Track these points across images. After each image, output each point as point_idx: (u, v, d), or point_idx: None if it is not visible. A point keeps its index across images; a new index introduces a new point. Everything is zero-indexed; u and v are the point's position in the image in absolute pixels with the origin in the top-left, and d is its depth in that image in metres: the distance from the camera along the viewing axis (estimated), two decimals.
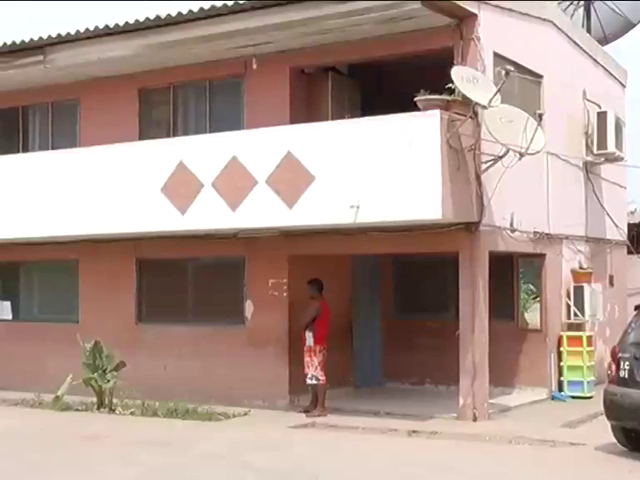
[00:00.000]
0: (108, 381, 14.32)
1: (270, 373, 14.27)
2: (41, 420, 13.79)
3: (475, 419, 12.76)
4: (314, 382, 13.52)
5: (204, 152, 14.02)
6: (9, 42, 15.35)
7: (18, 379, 16.42)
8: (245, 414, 13.70)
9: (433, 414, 13.15)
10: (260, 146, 13.52)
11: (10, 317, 17.47)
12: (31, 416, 14.21)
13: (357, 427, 12.48)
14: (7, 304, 17.48)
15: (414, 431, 12.15)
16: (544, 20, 15.15)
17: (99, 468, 10.28)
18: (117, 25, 14.30)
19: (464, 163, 12.50)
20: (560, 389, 15.17)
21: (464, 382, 12.89)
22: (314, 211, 12.88)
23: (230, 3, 13.25)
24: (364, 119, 13.14)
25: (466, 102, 12.34)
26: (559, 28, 15.75)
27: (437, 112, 12.06)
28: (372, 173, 12.48)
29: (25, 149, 17.31)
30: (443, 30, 13.03)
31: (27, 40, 15.17)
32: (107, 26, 14.41)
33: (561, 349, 15.21)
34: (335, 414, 13.32)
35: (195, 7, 13.56)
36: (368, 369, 15.80)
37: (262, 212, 13.33)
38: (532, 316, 15.67)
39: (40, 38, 15.08)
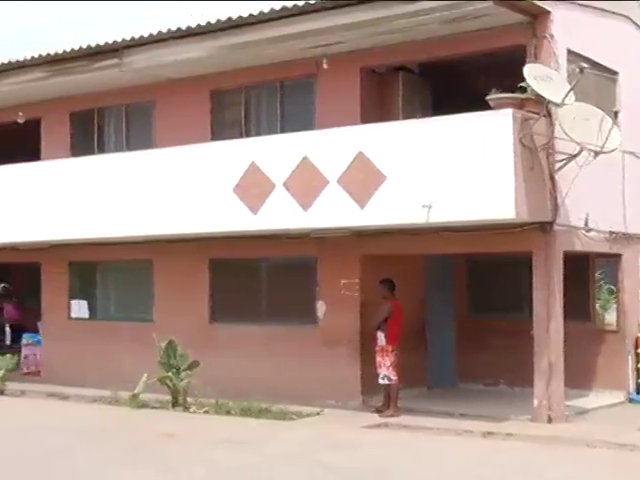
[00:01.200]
0: (182, 380, 14.48)
1: (342, 373, 14.27)
2: (118, 417, 14.01)
3: (550, 421, 12.57)
4: (386, 382, 13.49)
5: (276, 152, 14.09)
6: (86, 45, 15.64)
7: (95, 377, 16.72)
8: (318, 414, 13.74)
9: (508, 415, 13.00)
10: (331, 146, 13.54)
11: (87, 316, 17.76)
12: (108, 413, 14.46)
13: (431, 428, 12.40)
14: (84, 303, 17.78)
15: (489, 432, 12.03)
16: (620, 15, 14.86)
17: (175, 466, 10.40)
18: (190, 27, 14.46)
19: (537, 162, 12.34)
20: (638, 392, 14.86)
21: (539, 383, 12.71)
22: (386, 211, 12.84)
23: (301, 3, 13.29)
24: (435, 118, 13.05)
25: (539, 100, 12.19)
26: (635, 23, 15.43)
27: (510, 111, 11.93)
28: (444, 173, 12.39)
29: (101, 150, 17.58)
30: (515, 28, 12.87)
31: (103, 43, 15.43)
32: (180, 28, 14.59)
33: (639, 351, 14.91)
34: (408, 414, 13.26)
35: (266, 8, 13.64)
36: (441, 369, 15.68)
37: (334, 212, 13.35)
38: (613, 317, 15.41)
39: (116, 41, 15.31)
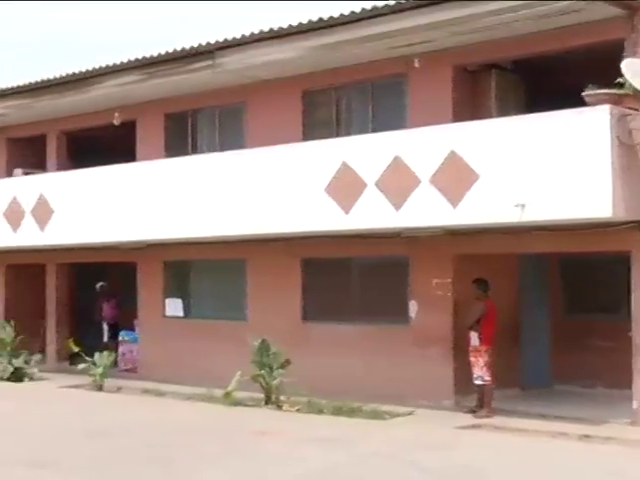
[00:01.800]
0: (275, 378, 14.60)
1: (435, 373, 14.19)
2: (212, 414, 14.20)
3: None
4: (480, 382, 13.36)
5: (367, 152, 14.08)
6: (180, 48, 15.90)
7: (190, 374, 16.99)
8: (410, 413, 13.69)
9: (605, 418, 12.72)
10: (423, 145, 13.47)
11: (182, 314, 18.06)
12: (202, 410, 14.64)
13: (525, 430, 12.22)
14: (179, 301, 18.08)
15: (585, 436, 11.78)
16: None
17: (267, 464, 10.49)
18: (282, 28, 14.56)
19: (636, 159, 12.03)
20: None
21: (638, 385, 12.42)
22: (478, 210, 12.71)
23: (391, 3, 13.23)
24: (529, 116, 12.83)
25: (637, 96, 11.89)
26: None
27: (607, 107, 11.66)
28: (538, 171, 12.20)
29: (194, 151, 17.84)
30: (612, 22, 12.56)
31: (197, 45, 15.66)
32: (272, 29, 14.70)
33: None
34: (502, 416, 13.11)
35: (357, 8, 13.64)
36: (536, 370, 15.43)
37: (426, 211, 13.27)
38: None
39: (209, 43, 15.51)
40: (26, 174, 20.18)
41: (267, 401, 14.69)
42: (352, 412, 13.70)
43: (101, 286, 20.88)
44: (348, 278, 15.76)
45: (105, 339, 20.30)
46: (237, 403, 14.77)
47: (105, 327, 20.49)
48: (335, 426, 12.90)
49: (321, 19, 14.02)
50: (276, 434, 12.32)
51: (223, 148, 17.14)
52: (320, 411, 13.98)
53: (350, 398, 14.16)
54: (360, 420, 13.30)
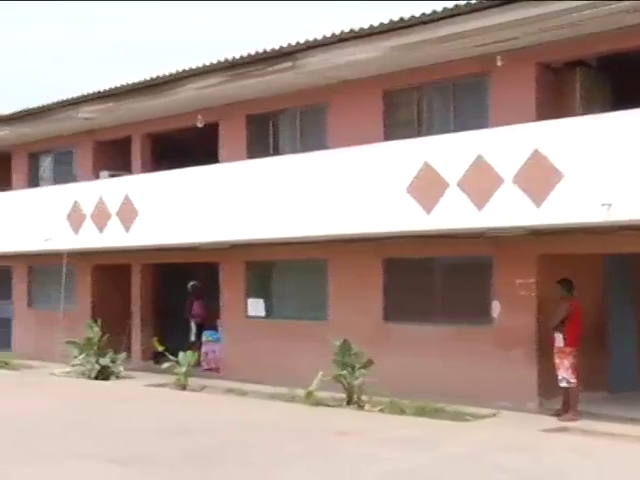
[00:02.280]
0: (357, 378, 14.60)
1: (518, 374, 14.02)
2: (294, 414, 14.27)
3: None
4: (565, 385, 13.15)
5: (449, 152, 14.00)
6: (262, 50, 16.05)
7: (271, 374, 17.11)
8: (494, 415, 13.55)
9: None
10: (506, 144, 13.34)
11: (263, 314, 18.19)
12: (284, 410, 14.71)
13: (613, 434, 11.97)
14: (261, 302, 18.21)
15: None
16: None
17: (350, 463, 10.50)
18: (363, 28, 14.57)
19: None
20: None
21: None
22: (563, 209, 12.53)
23: (473, 1, 13.14)
24: (616, 113, 12.59)
25: None
26: None
27: None
28: (625, 169, 11.98)
29: (276, 152, 17.95)
30: None
31: (278, 47, 15.78)
32: (353, 30, 14.72)
33: None
34: (588, 419, 12.86)
35: (438, 7, 13.57)
36: (624, 373, 15.09)
37: (509, 211, 13.14)
38: None
39: (290, 44, 15.63)
40: (112, 176, 20.60)
41: (349, 401, 14.70)
42: (434, 413, 13.63)
43: (192, 285, 21.11)
44: (430, 278, 15.68)
45: (193, 338, 20.50)
46: (319, 403, 14.80)
47: (193, 326, 20.73)
48: (418, 427, 12.83)
49: (402, 19, 13.99)
50: (358, 434, 12.32)
51: (305, 149, 17.22)
52: (402, 411, 13.93)
53: (431, 399, 14.09)
54: (443, 421, 13.22)
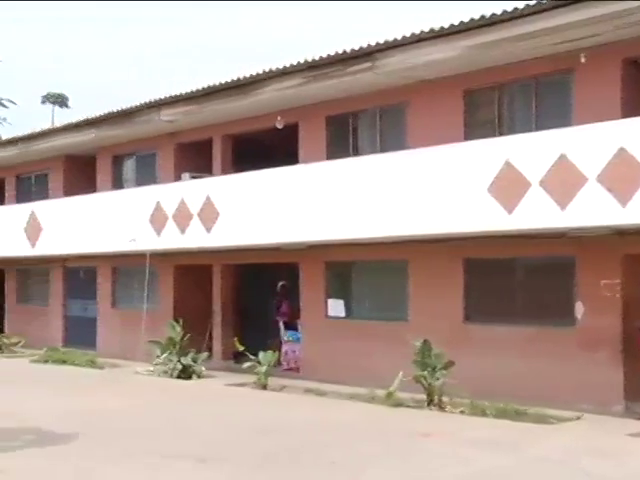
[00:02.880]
0: (438, 379, 14.51)
1: (602, 377, 13.76)
2: (374, 415, 14.24)
3: None
4: None
5: (531, 150, 13.82)
6: (341, 51, 16.09)
7: (351, 374, 17.12)
8: (577, 418, 13.33)
9: None
10: (590, 142, 13.10)
11: (343, 314, 18.20)
12: (364, 410, 14.69)
13: None
14: (340, 302, 18.23)
15: None
16: None
17: (431, 464, 10.46)
18: (442, 27, 14.50)
19: None
20: None
21: None
22: None
23: None
24: None
25: None
26: None
27: None
28: None
29: (356, 153, 17.95)
30: None
31: (358, 48, 15.80)
32: (433, 29, 14.66)
33: None
34: None
35: (520, 4, 13.41)
36: None
37: (593, 210, 12.92)
38: None
39: (370, 45, 15.64)
40: (193, 178, 20.87)
41: (429, 402, 14.62)
42: (517, 415, 13.46)
43: (282, 285, 21.23)
44: (511, 278, 15.51)
45: (284, 337, 20.50)
46: (399, 404, 14.76)
47: (282, 325, 20.79)
48: (500, 429, 12.70)
49: (483, 16, 13.89)
50: (439, 435, 12.25)
51: (384, 149, 17.20)
52: (484, 413, 13.79)
53: (513, 400, 13.91)
54: (525, 424, 13.04)
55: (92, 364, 21.35)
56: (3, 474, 9.80)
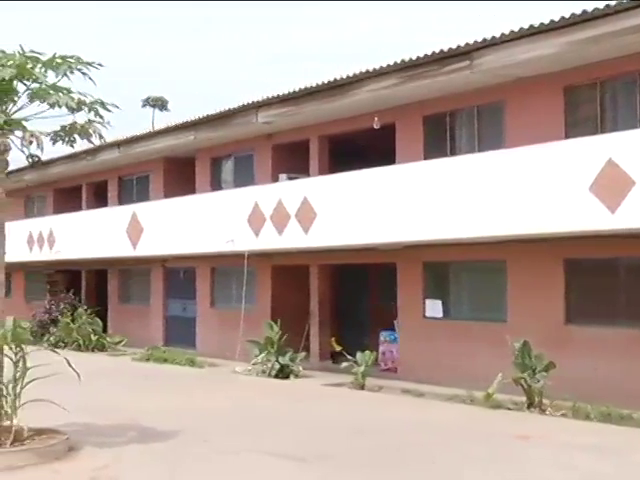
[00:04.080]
0: (538, 381, 14.28)
1: None
2: (472, 416, 14.11)
3: None
4: None
5: (635, 148, 13.47)
6: (438, 50, 16.01)
7: (449, 375, 17.00)
8: None
9: None
10: None
11: (441, 315, 18.09)
12: (463, 412, 14.57)
13: None
14: (438, 302, 18.12)
15: None
16: None
17: (530, 468, 10.31)
18: (542, 24, 14.28)
19: None
20: None
21: None
22: None
23: None
24: None
25: None
26: None
27: None
28: None
29: (453, 152, 17.82)
30: None
31: (455, 47, 15.69)
32: (532, 25, 14.44)
33: None
34: None
35: None
36: None
37: None
38: None
39: (468, 43, 15.52)
40: (290, 179, 21.03)
41: (529, 404, 14.39)
42: (622, 419, 13.14)
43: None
44: (613, 279, 15.16)
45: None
46: (498, 405, 14.58)
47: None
48: (604, 433, 12.43)
49: (585, 11, 13.60)
50: (540, 438, 12.07)
51: (482, 148, 17.02)
52: (586, 417, 13.50)
53: (615, 404, 13.59)
54: (630, 428, 12.72)
55: (191, 363, 21.71)
56: (108, 469, 10.05)
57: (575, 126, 15.60)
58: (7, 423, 10.77)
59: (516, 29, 14.83)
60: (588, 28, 13.93)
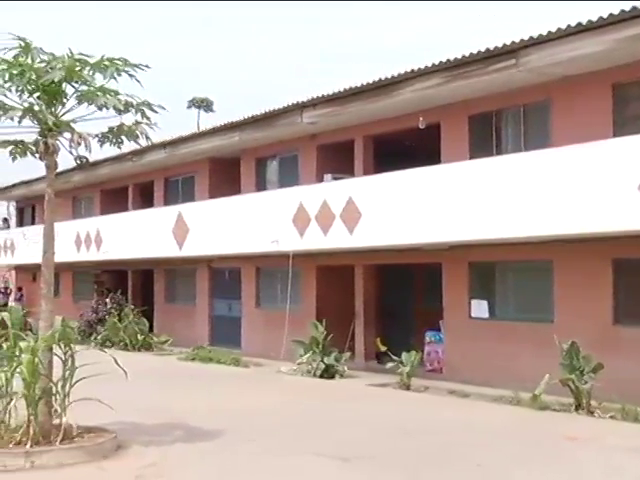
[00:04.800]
0: (586, 382, 14.13)
1: None
2: (519, 417, 13.99)
3: None
4: None
5: None
6: (484, 49, 15.91)
7: (495, 376, 16.88)
8: None
9: None
10: None
11: (487, 315, 17.97)
12: (509, 413, 14.46)
13: None
14: (484, 303, 18.00)
15: None
16: None
17: (579, 471, 10.20)
18: (590, 21, 14.12)
19: None
20: None
21: None
22: None
23: None
24: None
25: None
26: None
27: None
28: None
29: (498, 151, 17.69)
30: None
31: (501, 45, 15.59)
32: (580, 23, 14.30)
33: None
34: None
35: None
36: None
37: None
38: None
39: (513, 42, 15.40)
40: (335, 179, 21.02)
41: (577, 406, 14.24)
42: None
43: None
44: None
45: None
46: (545, 407, 14.45)
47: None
48: None
49: (635, 7, 13.43)
50: (589, 441, 11.93)
51: (528, 147, 16.89)
52: (636, 419, 13.32)
53: None
54: None
55: (237, 363, 21.81)
56: (154, 467, 10.13)
57: (623, 124, 15.37)
58: (57, 421, 10.90)
59: (563, 27, 14.68)
60: (638, 25, 13.73)
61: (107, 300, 30.05)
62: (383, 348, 18.34)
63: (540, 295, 16.93)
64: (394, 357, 17.61)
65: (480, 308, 18.04)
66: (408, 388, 17.16)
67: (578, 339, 14.56)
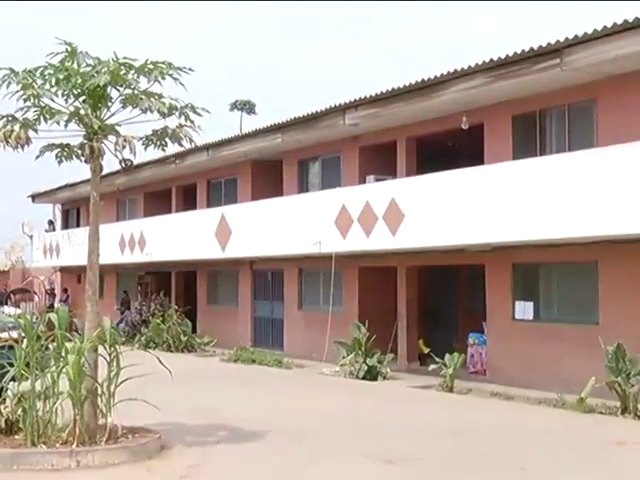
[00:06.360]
0: (632, 385, 13.96)
1: None
2: (564, 421, 13.86)
3: None
4: None
5: None
6: (528, 48, 15.79)
7: (539, 378, 16.74)
8: None
9: None
10: None
11: (531, 317, 17.81)
12: (554, 416, 14.34)
13: None
14: (529, 304, 17.84)
15: None
16: None
17: (628, 476, 10.07)
18: (637, 19, 13.95)
19: None
20: None
21: None
22: None
23: None
24: None
25: None
26: None
27: None
28: None
29: (542, 152, 17.54)
30: None
31: (546, 44, 15.46)
32: (626, 21, 14.13)
33: None
34: None
35: None
36: None
37: None
38: None
39: (558, 41, 15.27)
40: (377, 180, 20.98)
41: (623, 409, 14.07)
42: None
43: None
44: None
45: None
46: (590, 410, 14.30)
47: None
48: None
49: None
50: (636, 445, 11.78)
51: (572, 147, 16.73)
52: None
53: None
54: None
55: (279, 364, 21.86)
56: (198, 468, 10.19)
57: None
58: (102, 421, 11.00)
59: (608, 25, 14.52)
60: None
61: (150, 301, 30.28)
62: (426, 350, 18.28)
63: (585, 296, 16.76)
64: (437, 359, 17.54)
65: (525, 310, 17.87)
66: (451, 390, 17.09)
67: (624, 341, 14.40)
